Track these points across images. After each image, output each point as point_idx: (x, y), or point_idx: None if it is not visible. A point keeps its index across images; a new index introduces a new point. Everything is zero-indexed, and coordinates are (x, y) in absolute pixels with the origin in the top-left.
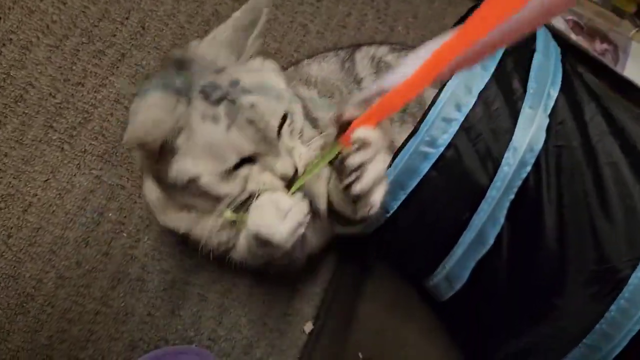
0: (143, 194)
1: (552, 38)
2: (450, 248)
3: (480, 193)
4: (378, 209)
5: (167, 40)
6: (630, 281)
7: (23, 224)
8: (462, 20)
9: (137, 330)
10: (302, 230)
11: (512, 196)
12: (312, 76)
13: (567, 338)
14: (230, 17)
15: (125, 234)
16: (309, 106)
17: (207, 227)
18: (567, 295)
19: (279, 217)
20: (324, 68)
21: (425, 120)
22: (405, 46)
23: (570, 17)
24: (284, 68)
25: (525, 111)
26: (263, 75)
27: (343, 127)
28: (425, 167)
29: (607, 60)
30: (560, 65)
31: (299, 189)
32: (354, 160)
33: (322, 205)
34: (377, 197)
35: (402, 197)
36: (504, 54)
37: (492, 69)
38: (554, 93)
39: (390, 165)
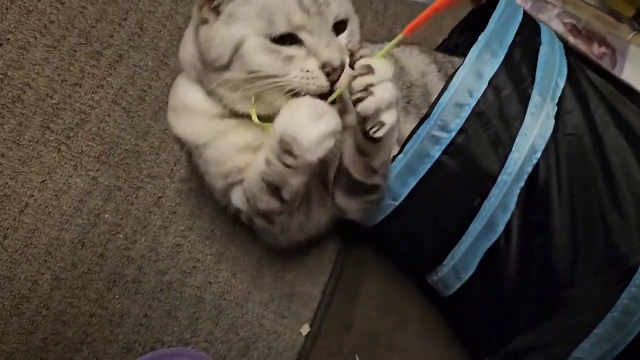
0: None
1: (554, 33)
2: (458, 237)
3: (490, 179)
4: (389, 128)
5: (164, 42)
6: None
7: (19, 225)
8: (461, 23)
9: (132, 332)
10: (331, 142)
11: (522, 183)
12: None
13: (578, 329)
14: None
15: (121, 236)
16: None
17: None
18: (578, 285)
19: (311, 118)
20: None
21: (437, 104)
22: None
23: (568, 21)
24: None
25: (535, 98)
26: None
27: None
28: (437, 151)
29: (605, 63)
30: (564, 57)
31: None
32: (358, 82)
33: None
34: (387, 118)
35: (413, 183)
36: (511, 45)
37: (501, 57)
38: (561, 82)
39: (400, 152)
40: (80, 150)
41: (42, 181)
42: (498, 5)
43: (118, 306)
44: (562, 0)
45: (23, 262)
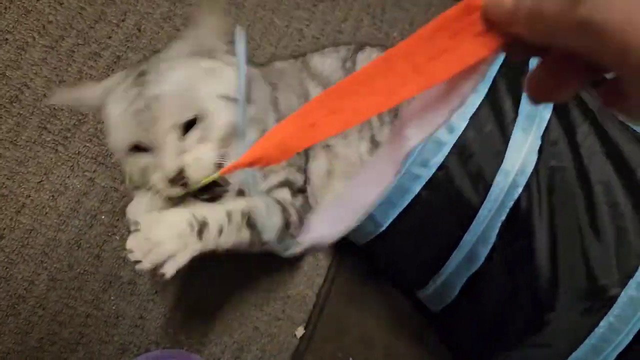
0: None
1: None
2: (441, 264)
3: (471, 213)
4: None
5: (162, 43)
6: (620, 298)
7: (16, 225)
8: None
9: (127, 334)
10: (193, 235)
11: (503, 217)
12: (318, 70)
13: (557, 352)
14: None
15: (117, 237)
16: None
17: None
18: (558, 311)
19: (146, 247)
20: (325, 64)
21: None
22: None
23: None
24: (294, 57)
25: (517, 134)
26: (200, 75)
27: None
28: (417, 187)
29: None
30: None
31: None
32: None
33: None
34: (167, 270)
35: (394, 214)
36: (496, 76)
37: (484, 92)
38: (547, 114)
39: None
40: (77, 151)
41: (39, 182)
42: None
43: (114, 307)
44: None
45: (20, 263)
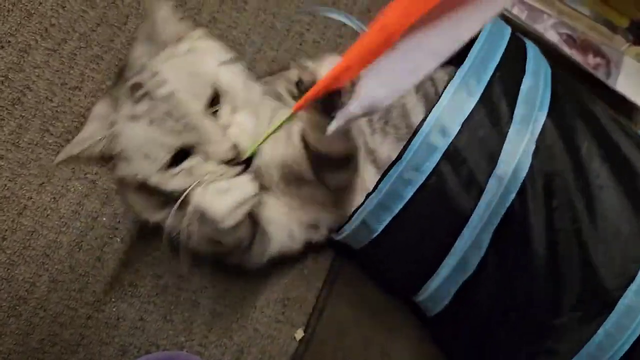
0: None
1: (543, 57)
2: (434, 270)
3: (463, 219)
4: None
5: None
6: (617, 306)
7: (17, 226)
8: None
9: (128, 335)
10: (245, 208)
11: (496, 223)
12: None
13: (555, 359)
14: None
15: (118, 239)
16: None
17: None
18: (555, 318)
19: (220, 193)
20: None
21: (409, 148)
22: None
23: (563, 31)
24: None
25: (511, 138)
26: (187, 57)
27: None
28: (409, 192)
29: (600, 74)
30: (549, 87)
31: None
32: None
33: (275, 231)
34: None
35: (388, 218)
36: (491, 78)
37: (478, 95)
38: (542, 117)
39: (375, 189)
40: None
41: (41, 184)
42: (478, 39)
43: (114, 309)
44: (558, 11)
45: (21, 264)
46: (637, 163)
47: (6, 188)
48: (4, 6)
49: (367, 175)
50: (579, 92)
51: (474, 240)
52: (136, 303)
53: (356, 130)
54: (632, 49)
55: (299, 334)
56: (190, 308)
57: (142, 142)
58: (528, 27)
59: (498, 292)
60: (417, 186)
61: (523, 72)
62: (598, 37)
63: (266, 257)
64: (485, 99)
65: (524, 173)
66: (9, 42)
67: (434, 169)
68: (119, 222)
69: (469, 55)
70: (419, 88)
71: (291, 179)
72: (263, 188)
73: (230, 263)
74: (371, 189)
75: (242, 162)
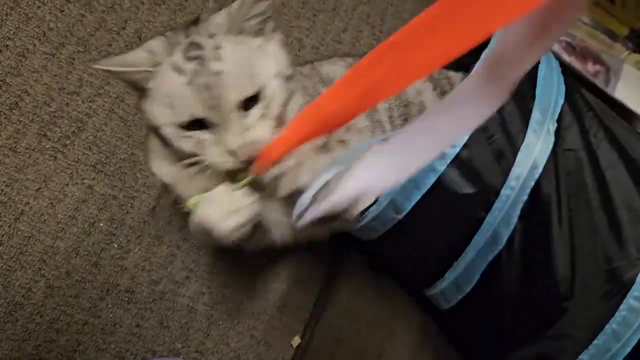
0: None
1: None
2: (461, 250)
3: (494, 193)
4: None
5: None
6: (638, 279)
7: (14, 232)
8: None
9: (124, 342)
10: (248, 226)
11: (525, 197)
12: (328, 77)
13: (578, 340)
14: None
15: (115, 245)
16: None
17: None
18: (577, 297)
19: (225, 212)
20: (336, 71)
21: None
22: None
23: (563, 39)
24: (299, 65)
25: (536, 114)
26: (253, 53)
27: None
28: (442, 165)
29: (599, 81)
30: (562, 76)
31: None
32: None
33: (277, 233)
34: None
35: (417, 196)
36: None
37: None
38: (560, 100)
39: None
40: (76, 159)
41: (38, 189)
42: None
43: (111, 315)
44: None
45: (17, 270)
46: (629, 146)
47: (3, 193)
48: (2, 10)
49: None
50: (578, 86)
51: (504, 215)
52: (132, 309)
53: (378, 127)
54: (632, 57)
55: (296, 340)
56: (187, 314)
57: (174, 94)
58: None
59: (521, 274)
60: (449, 159)
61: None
62: (598, 45)
63: (265, 244)
64: None
65: (549, 148)
66: (7, 46)
67: (465, 142)
68: (116, 227)
69: (491, 39)
70: (435, 85)
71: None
72: (265, 194)
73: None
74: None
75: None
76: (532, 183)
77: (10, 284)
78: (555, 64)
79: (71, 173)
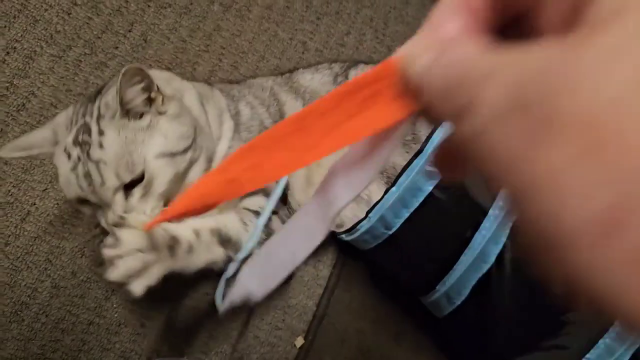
0: None
1: None
2: (450, 266)
3: (482, 212)
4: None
5: (168, 54)
6: None
7: (21, 232)
8: None
9: (129, 342)
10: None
11: (514, 217)
12: (302, 86)
13: (571, 354)
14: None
15: None
16: (287, 113)
17: None
18: (571, 311)
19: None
20: (315, 79)
21: (430, 140)
22: None
23: None
24: (281, 74)
25: None
26: (137, 136)
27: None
28: (430, 186)
29: None
30: None
31: None
32: (106, 252)
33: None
34: (134, 287)
35: (406, 214)
36: None
37: None
38: None
39: (394, 184)
40: None
41: (44, 189)
42: None
43: (116, 315)
44: None
45: (24, 270)
46: None
47: (10, 194)
48: (10, 12)
49: (371, 185)
50: None
51: (492, 234)
52: (137, 309)
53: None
54: None
55: (299, 341)
56: (191, 315)
57: (62, 176)
58: None
59: (513, 288)
60: (437, 179)
61: None
62: None
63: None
64: None
65: None
66: (15, 48)
67: None
68: None
69: None
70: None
71: None
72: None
73: None
74: (375, 198)
75: None
76: None
77: (16, 283)
78: None
79: None
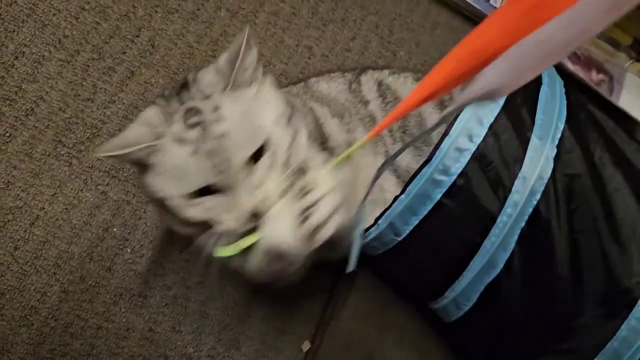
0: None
1: (555, 71)
2: (459, 272)
3: (491, 219)
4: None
5: (175, 60)
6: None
7: (30, 237)
8: None
9: (137, 346)
10: (330, 230)
11: (522, 223)
12: (323, 94)
13: (579, 357)
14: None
15: (129, 250)
16: (322, 122)
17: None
18: (579, 317)
19: (291, 224)
20: (332, 87)
21: (439, 150)
22: (403, 69)
23: None
24: (292, 84)
25: (534, 141)
26: (252, 105)
27: None
28: (438, 194)
29: (603, 90)
30: (564, 98)
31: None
32: (304, 201)
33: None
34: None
35: (415, 222)
36: None
37: (502, 102)
38: (561, 125)
39: (403, 192)
40: (90, 165)
41: (53, 194)
42: None
43: (124, 320)
44: None
45: (33, 274)
46: (634, 167)
47: (19, 198)
48: (19, 17)
49: (387, 185)
50: (586, 103)
51: (501, 240)
52: (145, 314)
53: (380, 141)
54: (635, 66)
55: (306, 345)
56: (199, 319)
57: (179, 166)
58: None
59: (522, 294)
60: (445, 188)
61: (539, 82)
62: (601, 54)
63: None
64: (507, 106)
65: (547, 175)
66: (23, 52)
67: (462, 170)
68: (129, 233)
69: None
70: None
71: None
72: None
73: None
74: (391, 198)
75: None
76: (530, 209)
77: (25, 288)
78: (559, 84)
79: (85, 179)
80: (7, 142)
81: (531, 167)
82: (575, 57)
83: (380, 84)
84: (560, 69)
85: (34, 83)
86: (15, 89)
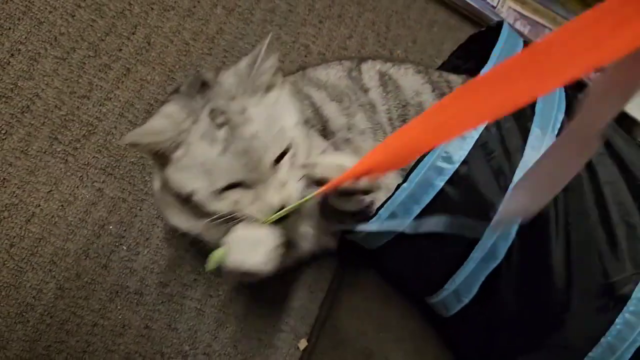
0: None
1: None
2: (460, 263)
3: (492, 208)
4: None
5: (171, 57)
6: (634, 295)
7: (25, 234)
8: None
9: (133, 343)
10: (278, 251)
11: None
12: (321, 80)
13: (574, 352)
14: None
15: (124, 247)
16: (320, 106)
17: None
18: (574, 310)
19: (252, 248)
20: (330, 74)
21: None
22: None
23: None
24: (290, 73)
25: (535, 131)
26: (274, 108)
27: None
28: (441, 181)
29: None
30: (563, 91)
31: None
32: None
33: (306, 245)
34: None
35: (417, 211)
36: None
37: None
38: (561, 116)
39: (405, 180)
40: (86, 162)
41: (49, 191)
42: (498, 41)
43: (120, 317)
44: (559, 25)
45: (28, 271)
46: (636, 164)
47: (14, 195)
48: (14, 14)
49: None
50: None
51: (502, 230)
52: (141, 311)
53: (379, 128)
54: None
55: (302, 343)
56: (195, 317)
57: (208, 163)
58: (530, 42)
59: (518, 287)
60: (448, 175)
61: None
62: None
63: (295, 260)
64: None
65: None
66: (19, 50)
67: (465, 158)
68: (125, 230)
69: (491, 56)
70: (434, 87)
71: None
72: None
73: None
74: (392, 186)
75: None
76: None
77: (21, 285)
78: None
79: (81, 176)
80: (2, 139)
81: (532, 157)
82: None
83: (382, 74)
84: None
85: (29, 80)
86: (11, 87)
